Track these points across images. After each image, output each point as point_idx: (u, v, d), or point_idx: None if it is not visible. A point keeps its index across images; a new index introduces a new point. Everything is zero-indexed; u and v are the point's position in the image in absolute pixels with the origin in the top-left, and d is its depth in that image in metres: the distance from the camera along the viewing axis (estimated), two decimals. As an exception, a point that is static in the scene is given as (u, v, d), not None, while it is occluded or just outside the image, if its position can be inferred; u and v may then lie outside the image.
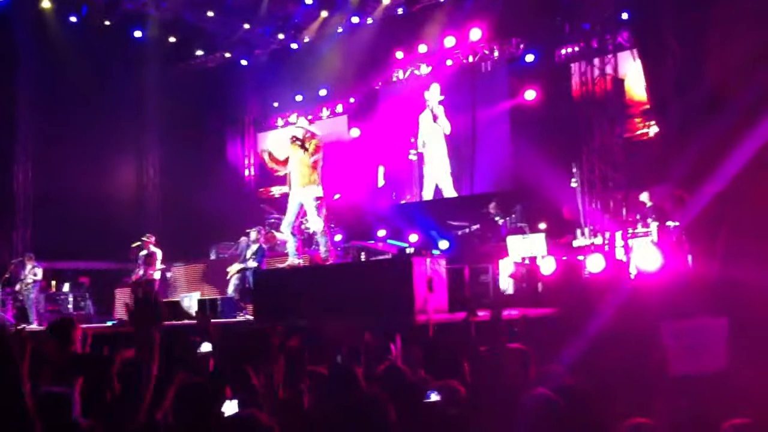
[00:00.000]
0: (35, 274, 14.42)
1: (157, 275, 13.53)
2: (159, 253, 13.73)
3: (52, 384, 4.09)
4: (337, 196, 15.41)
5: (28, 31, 16.60)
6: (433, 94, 17.45)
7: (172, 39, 18.14)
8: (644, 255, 9.95)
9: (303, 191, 9.94)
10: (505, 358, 4.92)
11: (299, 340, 5.50)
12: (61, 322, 5.40)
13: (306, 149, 9.88)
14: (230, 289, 12.24)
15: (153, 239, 13.78)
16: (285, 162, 10.42)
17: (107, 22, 16.87)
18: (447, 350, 6.21)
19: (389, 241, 13.83)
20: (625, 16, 13.84)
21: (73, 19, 16.47)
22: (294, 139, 10.03)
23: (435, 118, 17.35)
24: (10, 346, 3.48)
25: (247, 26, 18.06)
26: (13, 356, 3.14)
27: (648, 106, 14.00)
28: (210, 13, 17.23)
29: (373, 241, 13.81)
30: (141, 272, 13.44)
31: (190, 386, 4.17)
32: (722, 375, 4.47)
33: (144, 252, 13.60)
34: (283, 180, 11.02)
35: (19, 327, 9.77)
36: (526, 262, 10.79)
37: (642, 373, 4.86)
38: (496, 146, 16.57)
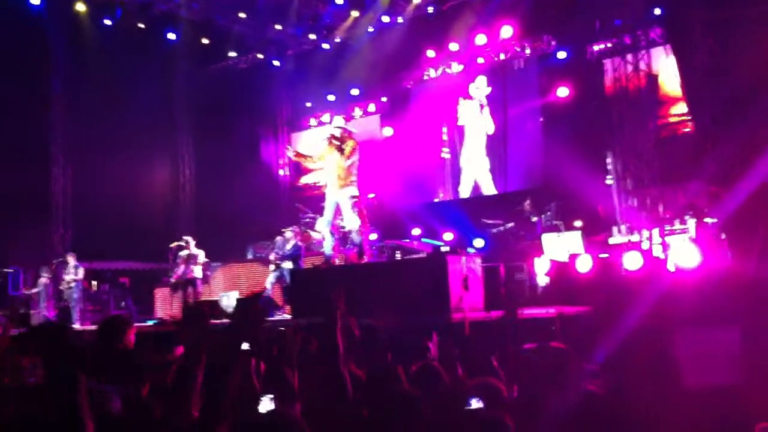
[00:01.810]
0: (77, 274, 14.65)
1: (198, 275, 13.64)
2: (201, 254, 13.83)
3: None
4: (371, 196, 15.48)
5: (62, 34, 16.89)
6: (479, 87, 17.41)
7: (204, 41, 18.32)
8: (682, 252, 9.88)
9: (339, 191, 10.01)
10: (546, 356, 4.95)
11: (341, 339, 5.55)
12: (114, 321, 5.48)
13: (342, 151, 9.95)
14: (268, 287, 12.35)
15: (192, 241, 13.90)
16: (311, 157, 10.50)
17: (140, 25, 17.07)
18: (484, 348, 6.26)
19: (424, 239, 13.87)
20: (657, 11, 13.75)
21: (107, 21, 16.68)
22: (332, 138, 10.08)
23: (481, 109, 17.29)
24: (71, 345, 3.62)
25: (278, 27, 18.18)
26: (74, 355, 3.28)
27: (682, 102, 13.90)
28: (242, 15, 17.39)
29: (407, 240, 13.86)
30: (181, 271, 13.57)
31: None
32: (735, 388, 4.43)
33: (185, 252, 13.72)
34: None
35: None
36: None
37: (658, 377, 4.85)
38: (529, 144, 16.53)
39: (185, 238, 13.95)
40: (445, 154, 17.51)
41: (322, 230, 10.63)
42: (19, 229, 15.89)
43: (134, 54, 17.25)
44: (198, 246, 13.94)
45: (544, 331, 7.40)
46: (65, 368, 3.27)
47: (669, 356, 4.75)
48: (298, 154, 10.92)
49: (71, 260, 14.75)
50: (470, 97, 17.46)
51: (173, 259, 13.84)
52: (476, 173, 17.28)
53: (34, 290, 14.73)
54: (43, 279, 14.80)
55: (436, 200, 17.79)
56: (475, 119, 17.40)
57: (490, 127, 17.11)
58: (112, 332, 5.08)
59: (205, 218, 18.97)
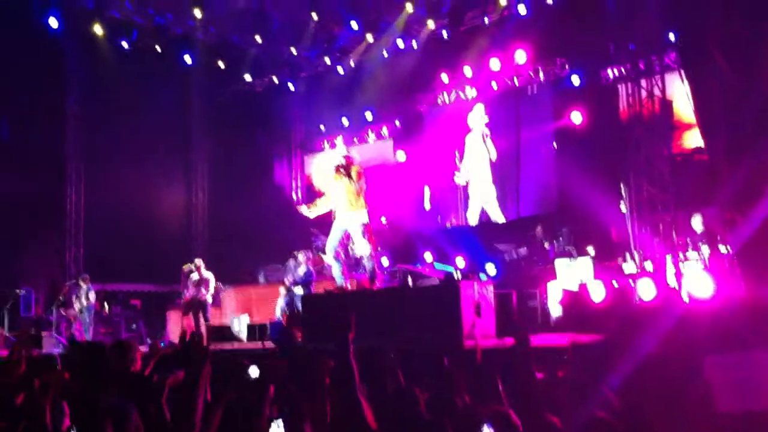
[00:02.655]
0: (89, 298, 14.66)
1: (209, 298, 13.61)
2: (212, 278, 13.81)
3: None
4: (383, 220, 15.46)
5: (80, 55, 17.03)
6: (477, 116, 17.39)
7: (220, 63, 18.45)
8: (696, 281, 9.79)
9: (349, 217, 10.02)
10: (559, 385, 4.90)
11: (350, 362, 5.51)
12: (120, 345, 5.52)
13: (351, 176, 9.97)
14: (278, 312, 12.34)
15: (203, 264, 13.88)
16: (318, 202, 10.53)
17: (157, 47, 17.21)
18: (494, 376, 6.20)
19: (436, 265, 13.82)
20: (671, 36, 13.73)
21: (123, 44, 16.83)
22: (338, 168, 10.12)
23: (483, 138, 17.25)
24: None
25: (293, 50, 18.30)
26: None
27: (697, 128, 13.84)
28: (257, 38, 17.50)
29: (419, 265, 13.82)
30: (190, 294, 13.55)
31: (237, 406, 4.25)
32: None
33: (195, 275, 13.72)
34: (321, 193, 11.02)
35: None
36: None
37: (687, 404, 4.79)
38: (542, 168, 16.48)
39: (196, 261, 13.94)
40: (458, 178, 17.49)
41: (326, 256, 10.63)
42: (31, 249, 15.95)
43: (150, 75, 17.40)
44: (210, 268, 13.93)
45: (557, 359, 7.32)
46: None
47: (699, 382, 4.70)
48: (309, 207, 10.86)
49: (83, 284, 14.77)
50: (469, 128, 17.44)
51: (184, 281, 13.84)
52: (482, 202, 17.21)
53: (72, 311, 14.70)
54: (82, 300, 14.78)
55: (448, 225, 17.74)
56: (478, 148, 17.34)
57: (493, 155, 17.00)
58: (119, 356, 5.10)
59: (217, 239, 19.03)
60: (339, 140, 11.00)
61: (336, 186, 10.20)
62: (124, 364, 5.15)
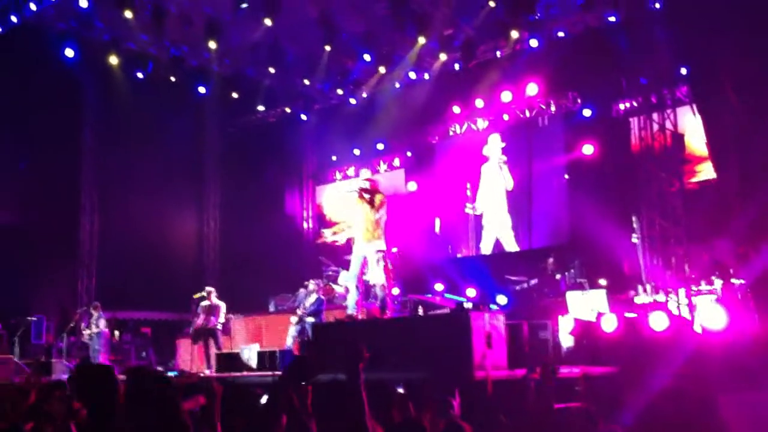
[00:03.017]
0: (98, 325, 14.68)
1: (219, 326, 13.57)
2: (223, 306, 13.79)
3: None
4: (394, 250, 15.45)
5: (95, 86, 17.31)
6: (493, 146, 17.49)
7: (234, 94, 18.62)
8: (709, 313, 9.73)
9: (367, 246, 10.01)
10: (572, 416, 4.88)
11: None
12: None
13: (373, 204, 9.96)
14: (289, 341, 12.31)
15: (214, 291, 13.88)
16: (340, 228, 10.54)
17: (172, 78, 17.39)
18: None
19: (447, 295, 13.79)
20: (683, 71, 13.79)
21: (139, 74, 17.02)
22: (362, 191, 10.10)
23: (500, 167, 17.32)
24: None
25: (306, 82, 18.48)
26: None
27: (709, 161, 13.84)
28: (271, 69, 17.68)
29: (430, 295, 13.79)
30: (201, 321, 13.53)
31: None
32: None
33: (206, 303, 13.71)
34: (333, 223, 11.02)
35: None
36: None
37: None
38: (554, 200, 16.50)
39: (207, 288, 13.95)
40: (469, 210, 17.53)
41: (347, 284, 10.62)
42: (44, 277, 16.05)
43: (165, 106, 17.58)
44: (221, 296, 13.93)
45: (569, 390, 7.27)
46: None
47: (715, 419, 4.67)
48: (334, 233, 10.85)
49: (94, 312, 14.81)
50: (487, 158, 17.52)
51: (195, 309, 13.85)
52: (498, 231, 17.24)
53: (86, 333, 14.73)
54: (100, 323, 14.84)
55: (459, 256, 17.74)
56: (495, 177, 17.41)
57: (510, 184, 17.10)
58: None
59: (229, 268, 19.08)
60: (365, 171, 10.98)
61: (356, 211, 10.18)
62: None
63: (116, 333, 15.70)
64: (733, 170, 11.82)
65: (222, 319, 13.65)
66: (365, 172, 10.76)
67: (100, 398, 3.93)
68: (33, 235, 16.12)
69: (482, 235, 17.57)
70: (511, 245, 17.00)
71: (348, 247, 10.69)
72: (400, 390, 6.36)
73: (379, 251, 9.94)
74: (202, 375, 9.88)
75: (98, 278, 17.68)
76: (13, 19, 14.82)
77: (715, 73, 11.89)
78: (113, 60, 16.45)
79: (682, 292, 11.48)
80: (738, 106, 11.35)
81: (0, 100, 15.54)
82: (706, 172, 14.33)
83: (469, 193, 17.74)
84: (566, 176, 16.30)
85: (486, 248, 17.41)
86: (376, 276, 10.02)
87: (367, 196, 10.03)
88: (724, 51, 11.47)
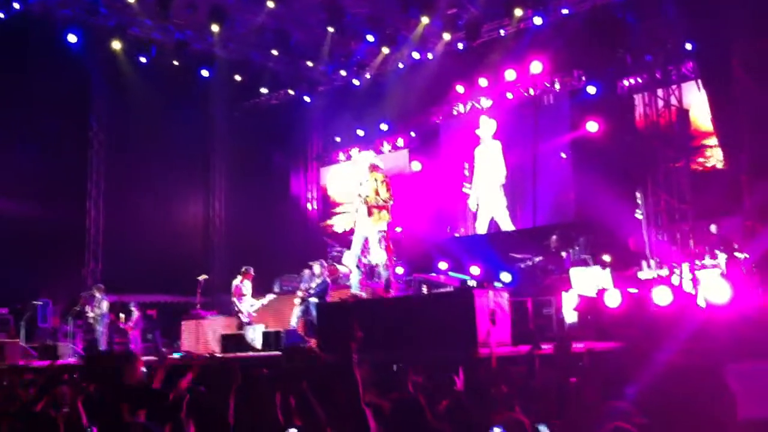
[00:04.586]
0: (101, 307, 14.77)
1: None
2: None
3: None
4: (398, 229, 15.46)
5: (99, 71, 17.29)
6: (486, 128, 17.46)
7: (238, 78, 18.59)
8: (713, 287, 9.71)
9: (370, 225, 10.02)
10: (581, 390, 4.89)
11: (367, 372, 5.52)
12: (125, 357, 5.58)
13: (385, 183, 9.99)
14: (293, 321, 12.34)
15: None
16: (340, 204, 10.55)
17: (176, 62, 17.35)
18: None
19: (451, 273, 13.79)
20: (688, 46, 13.70)
21: (142, 59, 16.98)
22: (375, 169, 10.13)
23: (490, 149, 17.34)
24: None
25: (310, 64, 18.43)
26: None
27: (715, 137, 13.77)
28: (275, 52, 17.63)
29: (435, 274, 13.79)
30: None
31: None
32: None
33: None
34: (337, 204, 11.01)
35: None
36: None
37: (710, 413, 4.74)
38: (559, 178, 16.45)
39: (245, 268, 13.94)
40: (467, 189, 17.55)
41: (349, 264, 10.64)
42: (50, 262, 16.12)
43: (170, 91, 17.59)
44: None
45: (573, 366, 7.27)
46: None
47: (724, 391, 4.66)
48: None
49: (97, 294, 14.89)
50: (479, 141, 17.48)
51: (200, 292, 13.88)
52: (493, 211, 17.22)
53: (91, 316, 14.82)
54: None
55: (457, 235, 17.79)
56: (487, 159, 17.39)
57: (502, 171, 17.11)
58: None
59: (235, 251, 19.11)
60: (365, 152, 10.99)
61: (362, 189, 10.15)
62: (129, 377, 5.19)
63: (122, 316, 15.78)
64: (744, 150, 11.75)
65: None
66: (366, 154, 10.74)
67: (108, 383, 3.97)
68: (39, 220, 16.20)
69: (477, 215, 17.58)
70: (506, 225, 16.98)
71: (353, 228, 10.71)
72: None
73: (380, 231, 9.96)
74: (208, 355, 9.90)
75: (104, 262, 17.75)
76: (16, 5, 14.82)
77: (721, 48, 11.80)
78: (117, 45, 16.43)
79: (686, 267, 11.47)
80: (751, 87, 11.27)
81: (5, 87, 15.58)
82: (711, 148, 14.26)
83: (467, 173, 17.74)
84: (563, 155, 16.23)
85: (481, 228, 17.41)
86: (379, 256, 10.04)
87: (380, 175, 10.05)
88: (732, 28, 11.38)
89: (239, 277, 13.70)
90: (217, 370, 5.12)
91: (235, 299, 13.54)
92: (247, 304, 13.42)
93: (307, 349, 9.65)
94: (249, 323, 12.96)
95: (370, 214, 10.00)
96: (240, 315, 13.33)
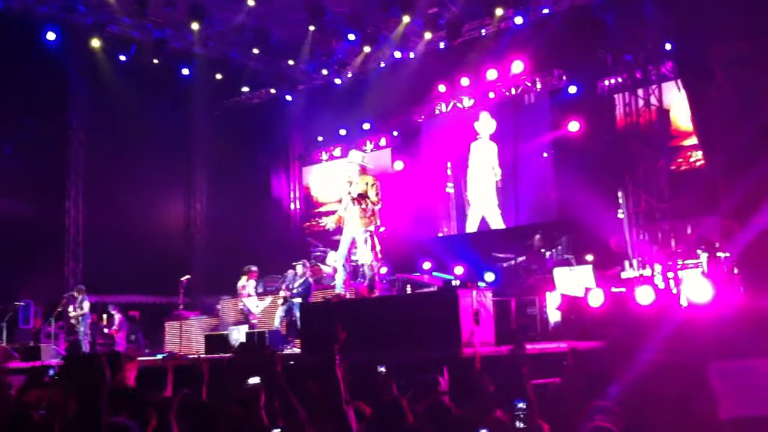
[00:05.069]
0: (82, 308, 14.68)
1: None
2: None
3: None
4: (381, 229, 15.44)
5: (79, 69, 17.15)
6: (484, 124, 17.51)
7: (218, 76, 18.51)
8: (694, 286, 9.80)
9: (357, 225, 10.03)
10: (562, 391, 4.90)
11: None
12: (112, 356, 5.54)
13: (374, 186, 9.99)
14: (276, 322, 12.31)
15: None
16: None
17: (155, 61, 17.23)
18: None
19: (435, 273, 13.81)
20: (668, 46, 13.79)
21: (122, 57, 16.87)
22: (365, 170, 10.14)
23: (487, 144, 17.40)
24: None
25: (291, 63, 18.38)
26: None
27: (694, 137, 13.88)
28: (255, 51, 17.56)
29: (418, 274, 13.81)
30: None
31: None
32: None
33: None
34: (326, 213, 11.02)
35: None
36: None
37: (692, 411, 4.78)
38: (540, 178, 16.54)
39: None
40: (450, 188, 17.59)
41: (336, 264, 10.63)
42: (31, 263, 15.97)
43: (149, 89, 17.46)
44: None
45: (556, 366, 7.31)
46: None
47: (706, 389, 4.69)
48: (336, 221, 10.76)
49: (78, 295, 14.81)
50: (476, 134, 17.53)
51: (182, 292, 13.82)
52: (485, 209, 17.28)
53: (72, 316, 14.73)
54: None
55: (440, 234, 17.83)
56: (484, 155, 17.45)
57: (497, 170, 17.15)
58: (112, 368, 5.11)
59: (216, 251, 19.06)
60: (354, 151, 11.00)
61: (351, 189, 10.15)
62: (119, 378, 5.16)
63: (104, 317, 15.69)
64: (719, 150, 11.83)
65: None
66: (354, 153, 10.72)
67: (89, 387, 3.93)
68: (18, 219, 16.04)
69: (468, 213, 17.61)
70: (497, 223, 17.04)
71: (336, 228, 10.67)
72: (382, 369, 6.37)
73: (367, 231, 9.97)
74: (190, 357, 9.89)
75: (85, 263, 17.61)
76: (-6, 3, 14.67)
77: (702, 52, 11.87)
78: (96, 43, 16.31)
79: (668, 266, 11.55)
80: (726, 87, 11.33)
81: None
82: (691, 148, 14.37)
83: (449, 172, 17.78)
84: (545, 154, 16.34)
85: (472, 226, 17.46)
86: (364, 255, 10.04)
87: (369, 178, 10.06)
88: (713, 31, 11.45)
89: (243, 277, 13.61)
90: (187, 369, 5.12)
91: (242, 300, 13.48)
92: (252, 304, 13.36)
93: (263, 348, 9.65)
94: (254, 324, 12.91)
95: (361, 215, 10.00)
96: (249, 316, 13.29)
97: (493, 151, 17.33)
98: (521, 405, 4.23)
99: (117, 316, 15.51)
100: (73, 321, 14.60)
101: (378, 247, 10.24)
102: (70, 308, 14.75)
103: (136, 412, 4.50)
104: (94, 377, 4.03)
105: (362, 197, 9.96)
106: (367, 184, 10.09)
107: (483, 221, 17.32)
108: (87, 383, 3.98)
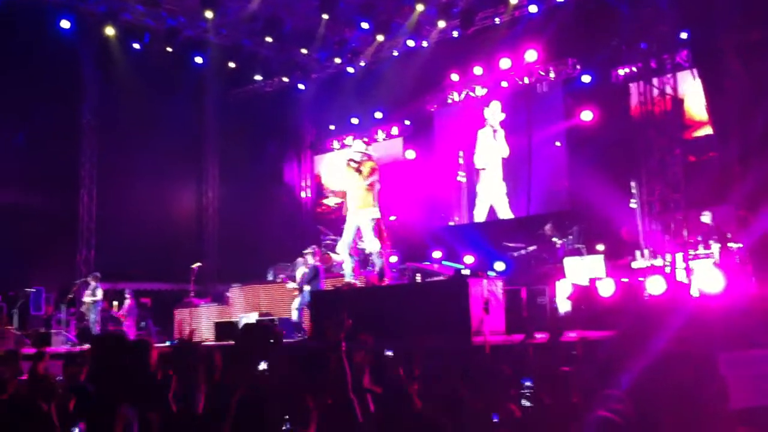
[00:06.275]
0: (95, 295, 14.75)
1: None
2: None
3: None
4: (392, 218, 15.45)
5: (92, 58, 17.17)
6: (493, 112, 17.45)
7: (231, 65, 18.51)
8: (706, 277, 9.73)
9: (360, 213, 10.02)
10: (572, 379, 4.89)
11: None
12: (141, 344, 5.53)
13: (361, 172, 9.99)
14: (294, 315, 12.16)
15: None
16: (342, 193, 10.55)
17: (169, 49, 17.23)
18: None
19: (445, 262, 13.79)
20: (683, 35, 13.68)
21: (135, 46, 16.90)
22: (350, 161, 10.14)
23: (494, 134, 17.33)
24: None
25: (304, 51, 18.35)
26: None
27: (709, 127, 13.77)
28: (268, 39, 17.53)
29: (429, 263, 13.79)
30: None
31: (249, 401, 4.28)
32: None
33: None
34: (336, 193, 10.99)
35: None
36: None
37: (703, 401, 4.75)
38: (553, 167, 16.46)
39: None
40: (461, 177, 17.54)
41: (341, 253, 10.63)
42: (43, 250, 16.09)
43: (162, 78, 17.51)
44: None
45: (566, 355, 7.28)
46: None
47: (717, 379, 4.67)
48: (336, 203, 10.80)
49: (92, 282, 14.88)
50: (485, 122, 17.47)
51: (194, 279, 13.83)
52: (492, 198, 17.23)
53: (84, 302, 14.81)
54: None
55: (451, 224, 17.80)
56: (491, 145, 17.39)
57: (505, 151, 17.10)
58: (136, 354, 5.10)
59: (228, 239, 19.12)
60: (357, 141, 10.95)
61: (347, 181, 10.20)
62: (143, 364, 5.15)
63: (115, 304, 15.75)
64: (734, 138, 11.75)
65: None
66: (358, 143, 10.72)
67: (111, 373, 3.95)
68: (32, 207, 16.15)
69: (476, 203, 17.57)
70: (505, 212, 16.99)
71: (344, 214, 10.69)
72: (389, 353, 6.37)
73: (372, 219, 9.95)
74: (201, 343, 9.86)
75: (97, 250, 17.70)
76: (7, -9, 14.71)
77: (716, 38, 11.77)
78: (110, 32, 16.32)
79: (680, 256, 11.48)
80: (742, 76, 11.24)
81: (-4, 74, 15.48)
82: (706, 137, 14.25)
83: (461, 161, 17.73)
84: (558, 143, 16.26)
85: (480, 216, 17.41)
86: (372, 244, 10.03)
87: (354, 164, 10.06)
88: (728, 20, 11.35)
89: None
90: (183, 352, 5.10)
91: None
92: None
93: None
94: None
95: (363, 198, 9.99)
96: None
97: (501, 138, 17.25)
98: (528, 383, 4.24)
99: (128, 301, 15.55)
100: (84, 308, 14.67)
101: (385, 234, 10.23)
102: (86, 294, 14.81)
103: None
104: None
105: (359, 169, 9.97)
106: (365, 164, 10.10)
107: (491, 210, 17.26)
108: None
